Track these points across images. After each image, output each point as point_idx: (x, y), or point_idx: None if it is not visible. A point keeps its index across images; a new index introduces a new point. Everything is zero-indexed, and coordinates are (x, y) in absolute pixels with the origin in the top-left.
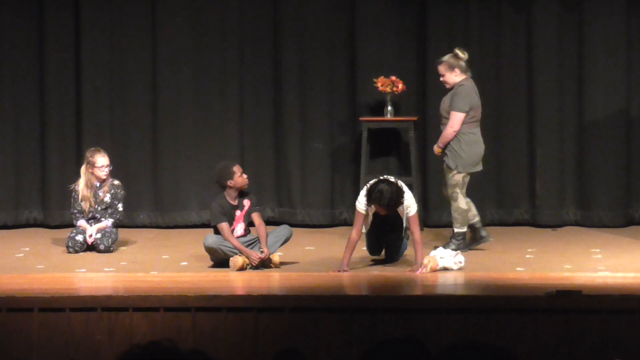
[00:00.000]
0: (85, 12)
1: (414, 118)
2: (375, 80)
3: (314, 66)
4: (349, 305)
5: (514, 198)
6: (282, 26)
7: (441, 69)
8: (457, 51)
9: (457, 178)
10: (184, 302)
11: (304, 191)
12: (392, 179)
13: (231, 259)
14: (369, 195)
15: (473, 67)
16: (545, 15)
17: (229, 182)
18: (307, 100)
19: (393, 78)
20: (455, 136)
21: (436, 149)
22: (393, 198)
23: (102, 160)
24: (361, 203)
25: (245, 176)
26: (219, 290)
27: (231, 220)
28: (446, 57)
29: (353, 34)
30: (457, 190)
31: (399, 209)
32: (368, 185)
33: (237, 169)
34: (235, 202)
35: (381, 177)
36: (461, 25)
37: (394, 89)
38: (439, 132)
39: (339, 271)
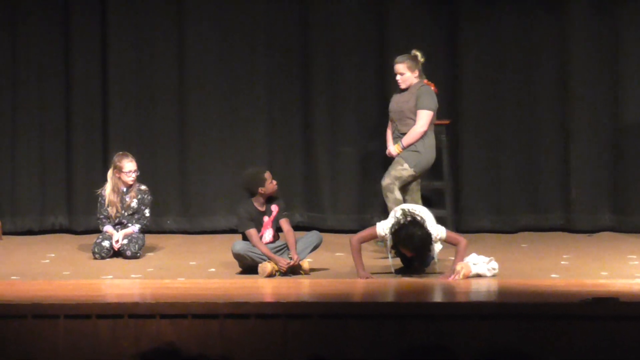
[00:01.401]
0: (112, 16)
1: (446, 122)
2: None
3: (343, 70)
4: (378, 312)
5: (548, 203)
6: (312, 31)
7: (401, 67)
8: (417, 53)
9: (405, 174)
10: (211, 309)
11: (334, 196)
12: (418, 217)
13: (260, 265)
14: (396, 236)
15: (507, 73)
16: (580, 20)
17: (260, 189)
18: (336, 105)
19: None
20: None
21: (398, 149)
22: (423, 245)
23: (129, 166)
24: (384, 230)
25: (274, 182)
26: (248, 297)
27: (259, 226)
28: (406, 58)
29: (383, 38)
30: (397, 183)
31: None
32: (395, 217)
33: (267, 175)
34: (262, 208)
35: (409, 215)
36: (494, 29)
37: None
38: (472, 136)
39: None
